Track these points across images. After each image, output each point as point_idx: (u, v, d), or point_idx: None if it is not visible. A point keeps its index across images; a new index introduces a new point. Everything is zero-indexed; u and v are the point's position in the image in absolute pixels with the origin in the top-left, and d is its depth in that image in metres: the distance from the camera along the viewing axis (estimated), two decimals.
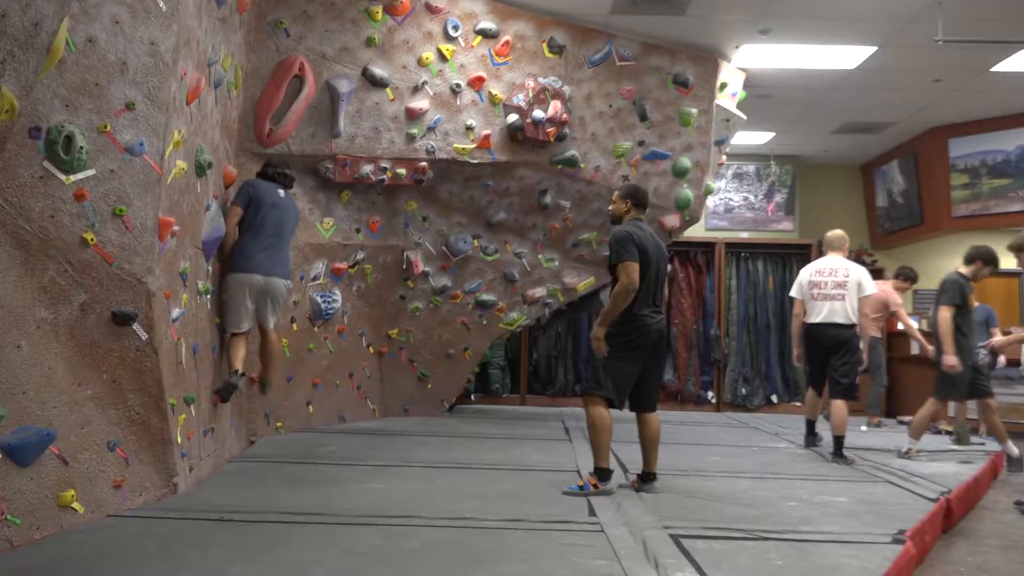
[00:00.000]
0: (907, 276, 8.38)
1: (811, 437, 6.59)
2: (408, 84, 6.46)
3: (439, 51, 6.54)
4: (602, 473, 4.41)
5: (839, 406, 5.89)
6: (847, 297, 5.98)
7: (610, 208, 4.76)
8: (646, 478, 4.59)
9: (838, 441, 5.87)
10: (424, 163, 6.61)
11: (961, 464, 5.84)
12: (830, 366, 6.01)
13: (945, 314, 6.00)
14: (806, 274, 6.25)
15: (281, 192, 5.40)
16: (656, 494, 4.45)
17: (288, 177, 5.54)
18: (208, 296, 4.80)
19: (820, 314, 6.03)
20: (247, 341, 5.31)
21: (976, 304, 8.00)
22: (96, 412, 3.58)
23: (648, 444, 4.60)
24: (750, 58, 7.50)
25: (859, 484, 4.98)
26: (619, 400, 4.48)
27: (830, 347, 5.99)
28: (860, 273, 6.07)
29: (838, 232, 6.37)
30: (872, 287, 6.13)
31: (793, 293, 6.38)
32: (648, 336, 4.45)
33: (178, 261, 4.13)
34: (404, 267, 7.28)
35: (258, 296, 5.20)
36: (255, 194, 5.21)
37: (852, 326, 5.98)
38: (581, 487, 4.38)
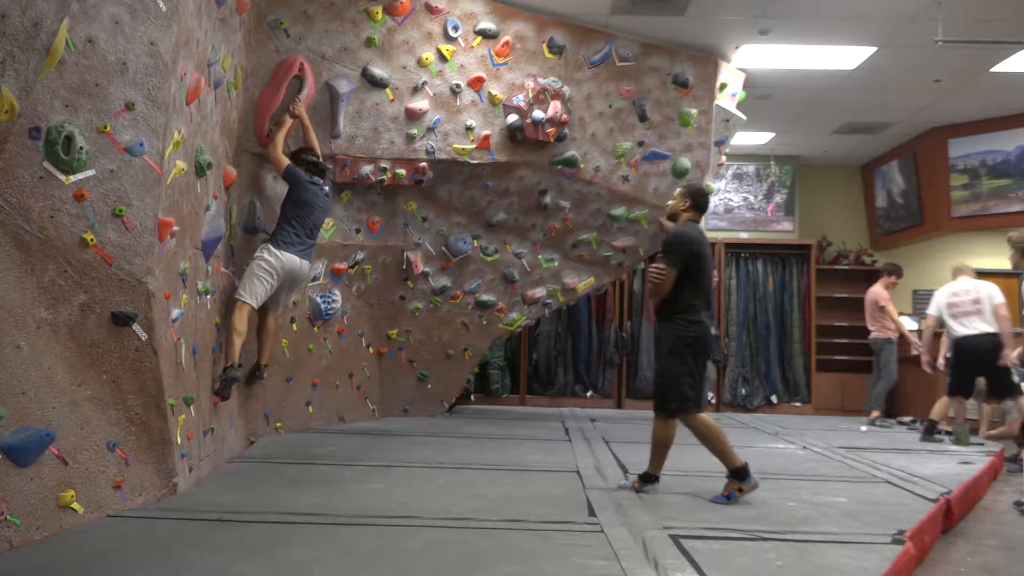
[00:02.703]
0: (890, 271, 8.77)
1: (928, 436, 7.20)
2: (408, 84, 6.46)
3: (439, 51, 6.54)
4: (739, 473, 4.28)
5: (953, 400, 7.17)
6: (983, 310, 6.99)
7: (668, 203, 4.76)
8: (648, 479, 4.57)
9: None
10: (424, 163, 6.61)
11: (961, 464, 5.84)
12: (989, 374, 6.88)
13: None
14: (943, 296, 7.28)
15: (326, 189, 5.77)
16: (656, 495, 4.45)
17: (320, 168, 5.78)
18: (208, 296, 4.80)
19: (967, 328, 7.03)
20: (249, 326, 5.34)
21: None
22: (96, 412, 3.58)
23: (661, 447, 4.57)
24: (750, 58, 7.50)
25: (859, 484, 4.98)
26: (700, 405, 4.44)
27: (983, 354, 6.89)
28: (989, 287, 7.09)
29: (967, 262, 7.72)
30: (1000, 294, 7.05)
31: (930, 311, 7.41)
32: (707, 339, 4.46)
33: (178, 261, 4.13)
34: (404, 267, 7.27)
35: (287, 278, 5.45)
36: (294, 181, 5.56)
37: (997, 333, 6.89)
38: (727, 496, 4.25)
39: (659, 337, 4.59)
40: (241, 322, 5.18)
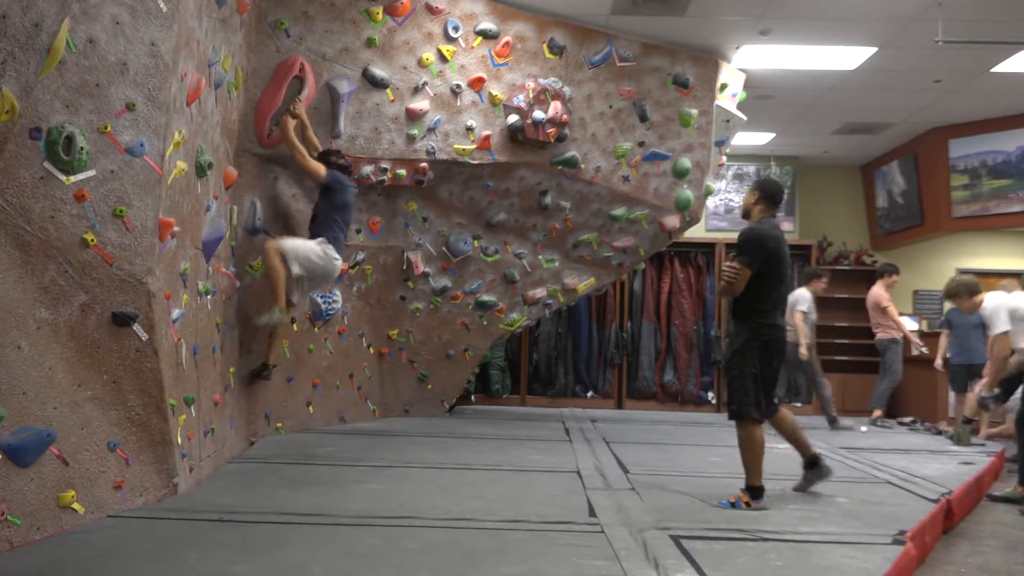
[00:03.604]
0: (890, 272, 8.84)
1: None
2: (408, 85, 6.45)
3: (439, 52, 6.54)
4: (755, 491, 4.22)
5: None
6: None
7: (742, 201, 4.69)
8: (813, 463, 4.53)
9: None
10: (424, 164, 6.61)
11: (962, 465, 5.84)
12: None
13: None
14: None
15: (355, 188, 5.99)
16: (656, 495, 4.45)
17: (350, 169, 6.01)
18: (209, 297, 4.80)
19: None
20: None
21: None
22: (96, 413, 3.58)
23: (794, 435, 4.53)
24: (750, 59, 7.50)
25: (859, 485, 4.98)
26: (762, 412, 4.32)
27: None
28: None
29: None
30: None
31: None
32: (780, 342, 4.38)
33: (178, 262, 4.13)
34: (404, 268, 7.27)
35: (321, 275, 5.70)
36: (337, 186, 5.74)
37: None
38: (732, 503, 4.20)
39: (732, 335, 4.45)
40: (274, 260, 5.43)
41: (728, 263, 4.33)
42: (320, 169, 5.68)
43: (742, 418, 4.27)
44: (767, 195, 4.44)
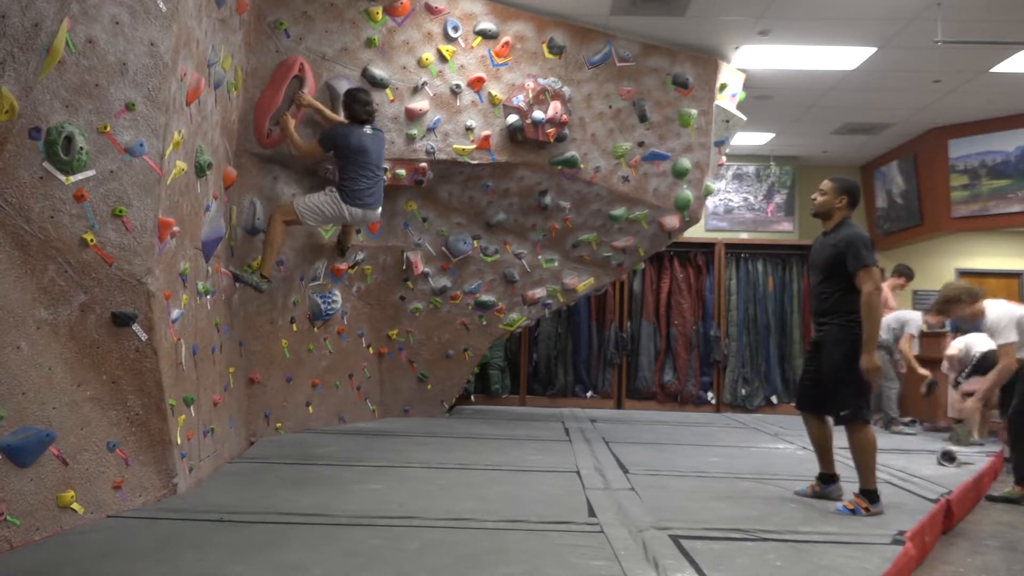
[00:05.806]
0: (902, 273, 8.60)
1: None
2: (408, 85, 6.45)
3: (439, 52, 6.54)
4: (872, 495, 4.21)
5: None
6: None
7: (815, 199, 4.51)
8: (831, 480, 4.50)
9: None
10: (424, 164, 6.61)
11: (961, 465, 5.84)
12: None
13: None
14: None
15: (368, 130, 5.86)
16: (655, 495, 4.45)
17: (370, 113, 5.92)
18: (208, 296, 4.80)
19: None
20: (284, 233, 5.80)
21: None
22: (96, 413, 3.58)
23: (826, 444, 4.53)
24: (750, 59, 7.50)
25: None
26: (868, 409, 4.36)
27: None
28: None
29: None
30: None
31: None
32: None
33: (178, 262, 4.13)
34: (404, 268, 7.27)
35: (353, 223, 6.06)
36: (340, 139, 5.73)
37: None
38: (852, 510, 4.17)
39: (824, 341, 4.38)
40: (277, 230, 5.56)
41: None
42: (314, 149, 5.77)
43: (858, 419, 4.26)
44: (854, 201, 4.46)
